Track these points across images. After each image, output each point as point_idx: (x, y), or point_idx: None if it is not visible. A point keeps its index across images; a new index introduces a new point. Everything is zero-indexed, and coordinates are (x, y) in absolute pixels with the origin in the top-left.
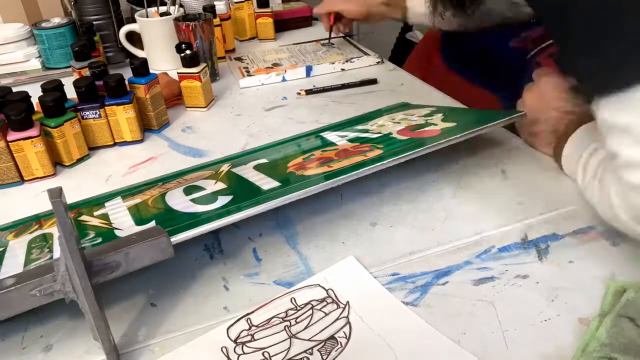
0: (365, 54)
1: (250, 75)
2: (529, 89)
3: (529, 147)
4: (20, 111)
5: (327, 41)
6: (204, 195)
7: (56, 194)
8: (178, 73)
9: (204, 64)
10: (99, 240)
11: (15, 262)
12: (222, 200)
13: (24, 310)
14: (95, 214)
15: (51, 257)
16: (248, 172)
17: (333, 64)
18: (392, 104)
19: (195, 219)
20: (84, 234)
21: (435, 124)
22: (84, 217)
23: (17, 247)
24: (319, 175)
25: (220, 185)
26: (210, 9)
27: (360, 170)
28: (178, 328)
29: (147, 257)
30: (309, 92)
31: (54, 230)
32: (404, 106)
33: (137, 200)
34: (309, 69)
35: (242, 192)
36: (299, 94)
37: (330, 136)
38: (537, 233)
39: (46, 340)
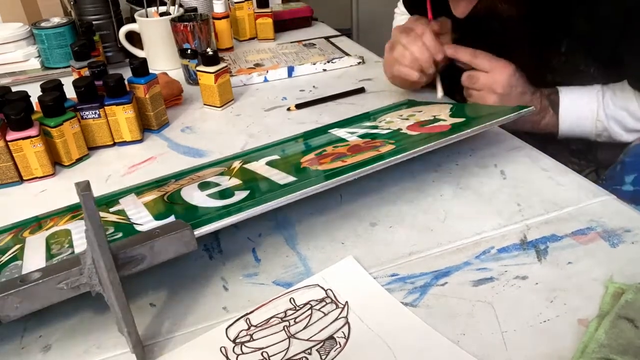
0: (346, 54)
1: (233, 76)
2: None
3: (528, 147)
4: (19, 111)
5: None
6: (221, 190)
7: (85, 187)
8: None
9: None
10: (120, 235)
11: (36, 257)
12: (240, 195)
13: (50, 304)
14: (111, 210)
15: (72, 252)
16: (261, 168)
17: (314, 64)
18: (396, 102)
19: (216, 213)
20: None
21: (444, 120)
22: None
23: (36, 244)
24: (336, 170)
25: (235, 182)
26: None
27: (380, 162)
28: (177, 328)
29: (171, 249)
30: (299, 106)
31: (70, 226)
32: (409, 103)
33: (152, 196)
34: (290, 70)
35: (259, 187)
36: (289, 109)
37: (339, 133)
38: (537, 234)
39: (45, 340)
